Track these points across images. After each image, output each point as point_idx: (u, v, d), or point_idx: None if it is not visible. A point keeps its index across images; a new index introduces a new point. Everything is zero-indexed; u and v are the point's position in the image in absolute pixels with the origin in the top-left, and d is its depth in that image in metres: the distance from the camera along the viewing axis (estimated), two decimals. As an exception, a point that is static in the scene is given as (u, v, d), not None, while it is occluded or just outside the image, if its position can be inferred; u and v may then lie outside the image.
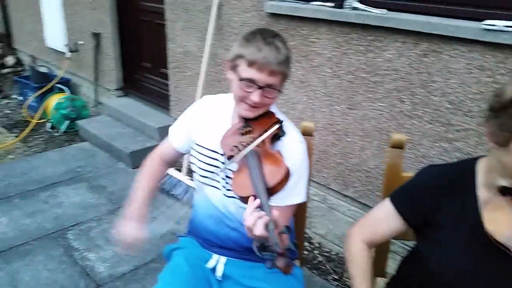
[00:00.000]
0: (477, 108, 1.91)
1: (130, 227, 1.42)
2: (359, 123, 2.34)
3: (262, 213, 1.03)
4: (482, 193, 1.12)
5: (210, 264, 1.49)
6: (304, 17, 2.41)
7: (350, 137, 2.40)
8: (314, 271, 2.52)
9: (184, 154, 1.59)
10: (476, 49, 1.85)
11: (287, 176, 1.12)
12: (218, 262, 1.49)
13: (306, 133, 1.52)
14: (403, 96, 2.13)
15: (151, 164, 1.58)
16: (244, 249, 1.46)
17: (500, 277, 1.07)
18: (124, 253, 1.40)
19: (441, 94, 2.00)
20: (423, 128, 2.10)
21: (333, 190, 2.58)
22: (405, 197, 1.24)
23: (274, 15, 2.58)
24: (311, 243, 2.75)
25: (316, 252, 2.68)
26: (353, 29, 2.24)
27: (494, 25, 1.75)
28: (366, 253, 1.26)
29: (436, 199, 1.16)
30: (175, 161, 1.66)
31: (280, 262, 0.94)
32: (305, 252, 2.64)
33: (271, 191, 1.10)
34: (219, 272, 1.47)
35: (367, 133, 2.32)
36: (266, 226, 1.00)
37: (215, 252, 1.51)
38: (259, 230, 1.00)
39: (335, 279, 2.46)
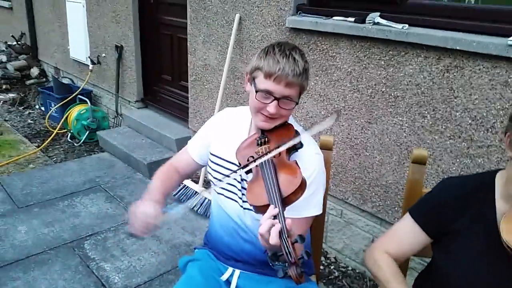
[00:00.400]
0: (500, 124, 1.87)
1: (147, 206, 1.33)
2: (379, 138, 2.32)
3: (276, 221, 1.02)
4: (500, 204, 1.13)
5: (225, 277, 1.47)
6: (325, 32, 2.42)
7: (369, 151, 2.37)
8: (330, 287, 2.47)
9: (202, 166, 1.58)
10: (500, 65, 1.82)
11: (302, 186, 1.11)
12: (233, 275, 1.48)
13: (325, 147, 1.51)
14: (424, 111, 2.10)
15: (165, 169, 1.56)
16: (258, 262, 1.44)
17: None
18: (134, 234, 1.32)
19: (463, 109, 1.97)
20: (444, 143, 2.07)
21: (351, 204, 2.54)
22: (424, 209, 1.25)
23: (295, 30, 2.59)
24: (327, 258, 2.70)
25: (332, 267, 2.63)
26: (374, 43, 2.23)
27: (519, 41, 1.72)
28: (392, 260, 1.24)
29: (454, 210, 1.17)
30: (191, 174, 1.63)
31: (293, 271, 0.93)
32: (321, 267, 2.60)
33: (286, 200, 1.09)
34: (233, 285, 1.45)
35: (387, 148, 2.29)
36: (280, 234, 0.99)
37: (230, 265, 1.49)
38: (272, 238, 0.99)
39: (351, 297, 2.42)
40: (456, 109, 1.99)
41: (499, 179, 1.16)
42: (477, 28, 1.93)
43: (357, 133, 2.41)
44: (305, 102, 2.62)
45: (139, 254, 2.61)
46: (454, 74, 1.97)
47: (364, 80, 2.32)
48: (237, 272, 1.47)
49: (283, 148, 1.21)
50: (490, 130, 1.90)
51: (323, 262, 2.66)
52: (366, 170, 2.41)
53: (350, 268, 2.62)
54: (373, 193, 2.40)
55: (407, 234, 1.25)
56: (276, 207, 1.05)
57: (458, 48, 1.90)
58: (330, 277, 2.55)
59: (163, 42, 4.10)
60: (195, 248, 1.66)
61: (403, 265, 1.48)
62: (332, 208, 2.64)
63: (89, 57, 4.77)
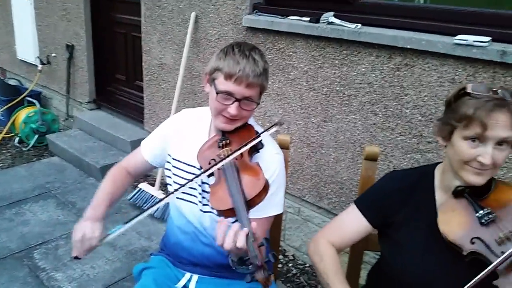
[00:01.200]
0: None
1: (85, 227, 1.32)
2: (334, 136, 2.35)
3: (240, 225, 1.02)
4: (439, 195, 1.19)
5: (181, 284, 1.44)
6: (281, 31, 2.43)
7: (325, 149, 2.40)
8: (288, 285, 2.47)
9: (155, 167, 1.55)
10: (447, 63, 1.89)
11: (266, 188, 1.11)
12: (190, 280, 1.45)
13: (282, 146, 1.51)
14: (376, 109, 2.15)
15: (115, 173, 1.52)
16: (217, 266, 1.43)
17: (455, 275, 1.10)
18: (77, 256, 1.30)
19: (413, 106, 2.03)
20: (395, 140, 2.12)
21: (308, 202, 2.57)
22: (369, 200, 1.29)
23: (251, 29, 2.58)
24: (285, 256, 2.71)
25: (290, 265, 2.64)
26: (328, 43, 2.26)
27: (465, 40, 1.79)
28: (335, 253, 1.26)
29: (397, 201, 1.22)
30: (142, 174, 1.61)
31: (260, 275, 0.93)
32: (279, 265, 2.60)
33: (250, 203, 1.09)
34: (190, 291, 1.42)
35: (341, 145, 2.33)
36: (246, 239, 0.98)
37: (188, 270, 1.47)
38: (240, 243, 0.99)
39: (310, 293, 2.43)
40: (407, 106, 2.05)
41: (437, 171, 1.22)
42: (426, 27, 1.99)
43: (313, 131, 2.43)
44: (263, 101, 2.61)
45: (93, 261, 2.51)
46: (405, 72, 2.02)
47: (320, 79, 2.34)
48: (195, 277, 1.45)
49: (244, 149, 1.20)
50: (439, 126, 1.96)
51: (282, 260, 2.67)
52: (322, 167, 2.44)
53: (307, 265, 2.64)
54: (329, 190, 2.43)
55: (351, 223, 1.28)
56: (240, 211, 1.04)
57: (408, 46, 1.96)
58: (288, 275, 2.56)
59: (117, 41, 3.98)
60: (151, 254, 1.61)
61: (356, 259, 1.51)
62: (290, 206, 2.65)
63: (38, 57, 4.55)
